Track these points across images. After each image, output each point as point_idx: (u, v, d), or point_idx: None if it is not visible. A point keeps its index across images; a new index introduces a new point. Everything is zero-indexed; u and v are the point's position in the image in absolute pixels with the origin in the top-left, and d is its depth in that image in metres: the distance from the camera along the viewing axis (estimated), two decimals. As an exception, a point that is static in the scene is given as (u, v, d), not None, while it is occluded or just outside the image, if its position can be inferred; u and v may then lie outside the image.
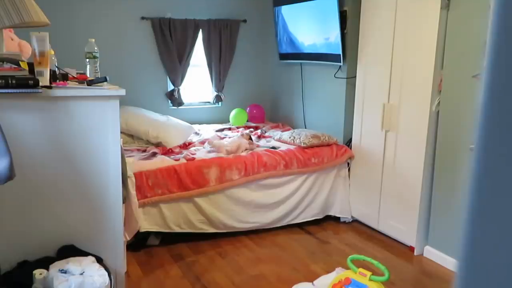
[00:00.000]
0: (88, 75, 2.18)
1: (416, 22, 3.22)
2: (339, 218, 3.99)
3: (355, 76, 3.85)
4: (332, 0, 3.91)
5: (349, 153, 3.94)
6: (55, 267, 1.81)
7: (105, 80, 2.07)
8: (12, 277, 1.84)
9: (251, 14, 5.04)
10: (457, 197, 3.07)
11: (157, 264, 3.16)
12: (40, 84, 1.81)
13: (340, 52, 3.96)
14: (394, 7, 3.40)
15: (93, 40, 2.20)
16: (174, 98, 4.74)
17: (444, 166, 3.18)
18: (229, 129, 4.66)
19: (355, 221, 3.97)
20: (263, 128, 4.72)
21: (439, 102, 3.16)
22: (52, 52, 2.10)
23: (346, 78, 4.07)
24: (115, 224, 2.12)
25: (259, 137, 4.38)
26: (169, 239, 3.44)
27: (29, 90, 1.76)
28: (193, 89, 4.97)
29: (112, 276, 1.92)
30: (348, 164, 3.99)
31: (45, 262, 1.88)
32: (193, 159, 3.54)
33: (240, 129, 4.61)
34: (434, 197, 3.27)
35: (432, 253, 3.30)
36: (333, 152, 3.90)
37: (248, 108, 5.03)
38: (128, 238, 3.03)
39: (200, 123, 4.82)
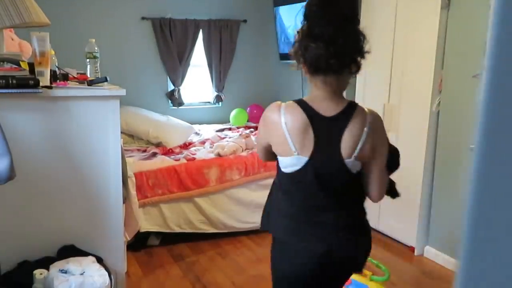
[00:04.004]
0: (88, 75, 2.18)
1: (416, 22, 3.22)
2: (339, 218, 3.98)
3: (355, 76, 3.85)
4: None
5: (349, 153, 3.93)
6: (55, 267, 1.81)
7: (106, 80, 2.07)
8: (12, 277, 1.84)
9: (251, 14, 5.04)
10: (457, 197, 3.07)
11: (157, 264, 3.16)
12: (41, 84, 1.81)
13: (340, 52, 3.96)
14: (394, 7, 3.40)
15: (94, 40, 2.20)
16: (174, 98, 4.74)
17: (444, 166, 3.17)
18: (229, 129, 4.66)
19: (355, 221, 3.96)
20: (263, 128, 4.71)
21: (439, 102, 3.15)
22: (53, 52, 2.10)
23: (346, 78, 4.07)
24: (115, 224, 2.12)
25: (259, 137, 4.38)
26: (169, 239, 3.44)
27: (29, 90, 1.76)
28: (193, 89, 4.97)
29: (112, 276, 1.92)
30: (348, 164, 3.99)
31: (45, 262, 1.88)
32: (194, 159, 3.54)
33: (241, 129, 4.61)
34: (434, 197, 3.27)
35: (432, 253, 3.30)
36: (333, 152, 3.90)
37: (248, 108, 5.03)
38: (129, 238, 3.02)
39: (200, 123, 4.82)
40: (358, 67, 1.43)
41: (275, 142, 1.46)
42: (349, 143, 1.40)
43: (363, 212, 1.61)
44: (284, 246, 1.57)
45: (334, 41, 1.34)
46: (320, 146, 1.41)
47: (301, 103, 1.43)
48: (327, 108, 1.43)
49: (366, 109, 1.46)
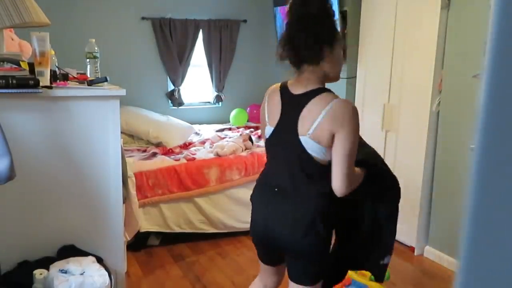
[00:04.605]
0: (88, 75, 2.19)
1: (416, 22, 3.22)
2: (339, 218, 3.98)
3: (355, 76, 3.85)
4: (332, 0, 3.91)
5: (349, 153, 3.93)
6: (55, 267, 1.81)
7: (106, 80, 2.07)
8: (12, 277, 1.84)
9: (251, 14, 5.04)
10: (457, 197, 3.07)
11: (157, 264, 3.16)
12: (41, 84, 1.81)
13: (340, 52, 3.96)
14: (394, 7, 3.40)
15: (94, 40, 2.20)
16: (174, 98, 4.74)
17: (444, 166, 3.17)
18: (229, 129, 4.66)
19: (355, 221, 3.96)
20: (263, 128, 4.71)
21: (439, 102, 3.15)
22: (53, 52, 2.10)
23: (346, 78, 4.07)
24: (115, 224, 2.12)
25: (259, 137, 4.38)
26: (169, 239, 3.44)
27: (29, 90, 1.76)
28: (194, 89, 4.97)
29: (112, 276, 1.92)
30: (348, 164, 3.98)
31: (45, 262, 1.88)
32: (194, 159, 3.54)
33: (241, 129, 4.61)
34: (434, 197, 3.27)
35: (432, 253, 3.30)
36: (333, 152, 3.89)
37: (248, 108, 5.03)
38: (129, 238, 3.03)
39: (200, 123, 4.82)
40: (325, 55, 1.55)
41: (261, 114, 1.76)
42: (305, 120, 1.54)
43: (316, 204, 1.58)
44: (252, 207, 1.79)
45: (296, 36, 1.54)
46: (283, 119, 1.63)
47: (282, 84, 1.69)
48: (297, 89, 1.62)
49: (338, 98, 1.55)
